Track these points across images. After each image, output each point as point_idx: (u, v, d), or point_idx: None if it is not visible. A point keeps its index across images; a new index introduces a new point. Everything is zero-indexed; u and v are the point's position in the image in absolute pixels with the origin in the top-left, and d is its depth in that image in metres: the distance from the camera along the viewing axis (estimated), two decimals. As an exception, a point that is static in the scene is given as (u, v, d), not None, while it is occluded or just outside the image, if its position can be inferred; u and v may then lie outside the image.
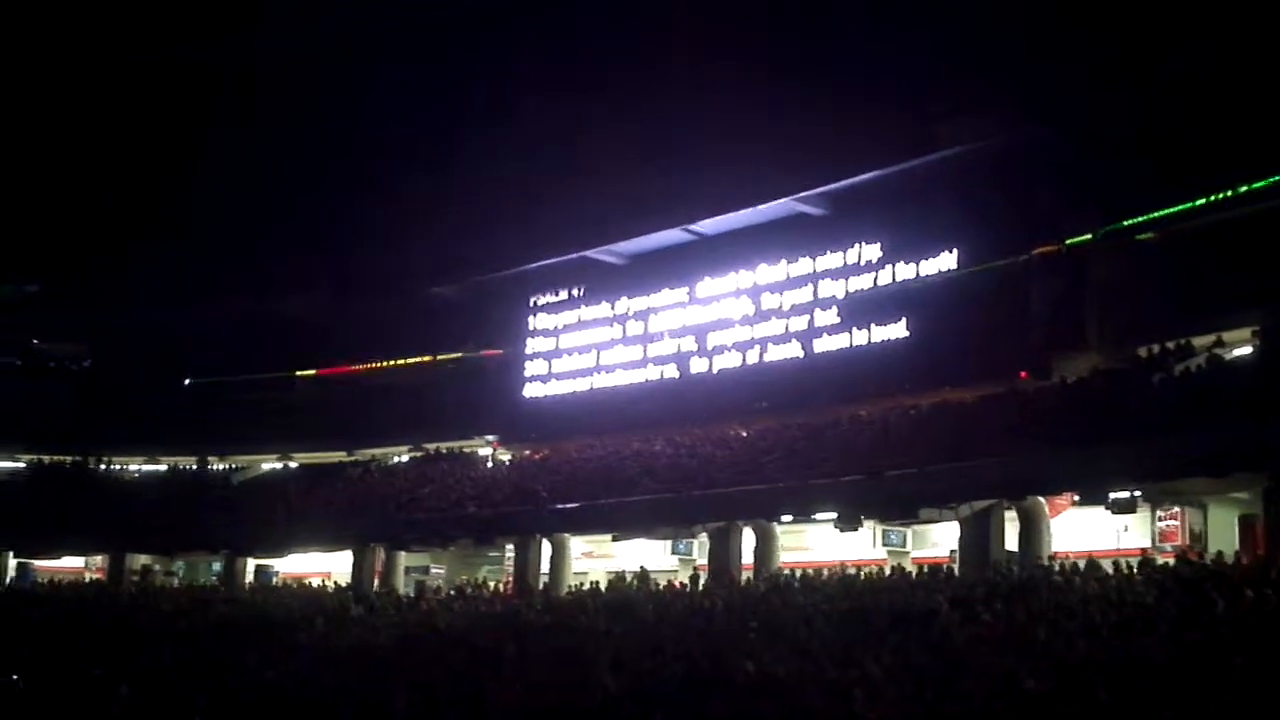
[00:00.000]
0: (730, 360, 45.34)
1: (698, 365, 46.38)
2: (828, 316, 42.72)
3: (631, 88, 55.16)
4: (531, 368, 51.96)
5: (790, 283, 44.07)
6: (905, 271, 40.82)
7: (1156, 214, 35.71)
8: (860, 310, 41.71)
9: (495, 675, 26.83)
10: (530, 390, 51.77)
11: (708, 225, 46.22)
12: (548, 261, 50.70)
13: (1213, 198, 34.42)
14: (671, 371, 47.19)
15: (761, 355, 44.49)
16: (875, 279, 41.66)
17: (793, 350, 43.57)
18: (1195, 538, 30.56)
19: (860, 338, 41.64)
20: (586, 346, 50.34)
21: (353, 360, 58.27)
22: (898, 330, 40.62)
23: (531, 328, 52.17)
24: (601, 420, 47.97)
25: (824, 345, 42.65)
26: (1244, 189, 33.72)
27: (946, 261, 39.74)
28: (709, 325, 46.28)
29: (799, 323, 43.50)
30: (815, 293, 43.26)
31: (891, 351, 40.55)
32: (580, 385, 50.23)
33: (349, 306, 57.36)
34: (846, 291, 42.39)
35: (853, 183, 41.87)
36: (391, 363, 56.99)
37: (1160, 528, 31.12)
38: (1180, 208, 35.05)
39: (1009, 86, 40.08)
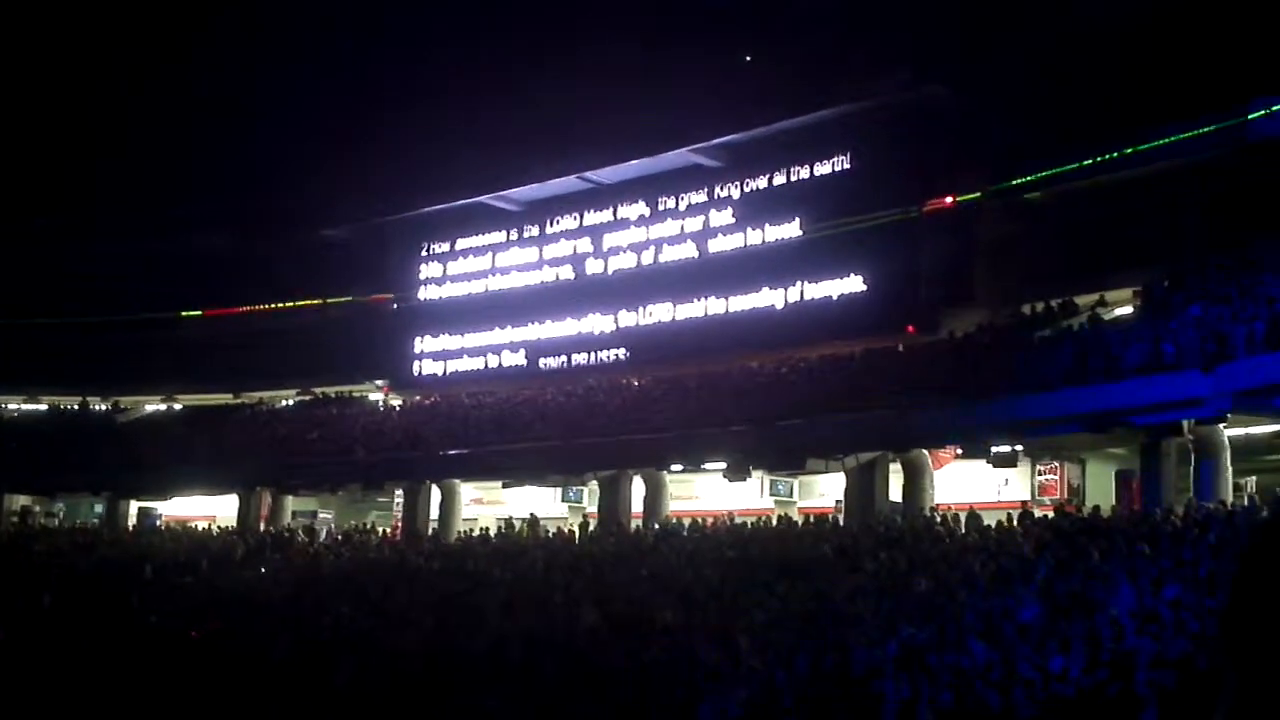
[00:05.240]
0: (626, 261, 45.52)
1: (594, 266, 46.48)
2: (723, 217, 43.02)
3: (531, 35, 54.88)
4: (427, 270, 51.59)
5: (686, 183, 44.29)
6: (799, 172, 41.20)
7: (1044, 174, 36.30)
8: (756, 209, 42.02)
9: (384, 620, 26.84)
10: (426, 294, 51.47)
11: (604, 174, 46.11)
12: (442, 206, 50.21)
13: (1099, 159, 35.05)
14: (567, 273, 47.21)
15: (657, 256, 44.72)
16: (770, 179, 41.99)
17: (688, 251, 43.85)
18: (1073, 491, 31.39)
19: (755, 237, 41.98)
20: (482, 249, 50.05)
21: (241, 301, 57.37)
22: (792, 230, 41.01)
23: (423, 274, 51.70)
24: (496, 318, 48.20)
25: (719, 245, 42.97)
26: (1130, 151, 34.37)
27: (841, 163, 40.27)
28: (605, 226, 46.29)
29: (694, 223, 43.77)
30: (711, 193, 43.52)
31: (786, 250, 40.94)
32: (475, 288, 50.02)
33: (238, 247, 56.43)
34: (741, 191, 42.71)
35: (748, 135, 41.95)
36: (281, 305, 56.22)
37: (1040, 481, 31.95)
38: (1067, 168, 35.65)
39: (905, 46, 40.40)
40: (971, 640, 18.15)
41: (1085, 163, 35.33)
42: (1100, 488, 30.86)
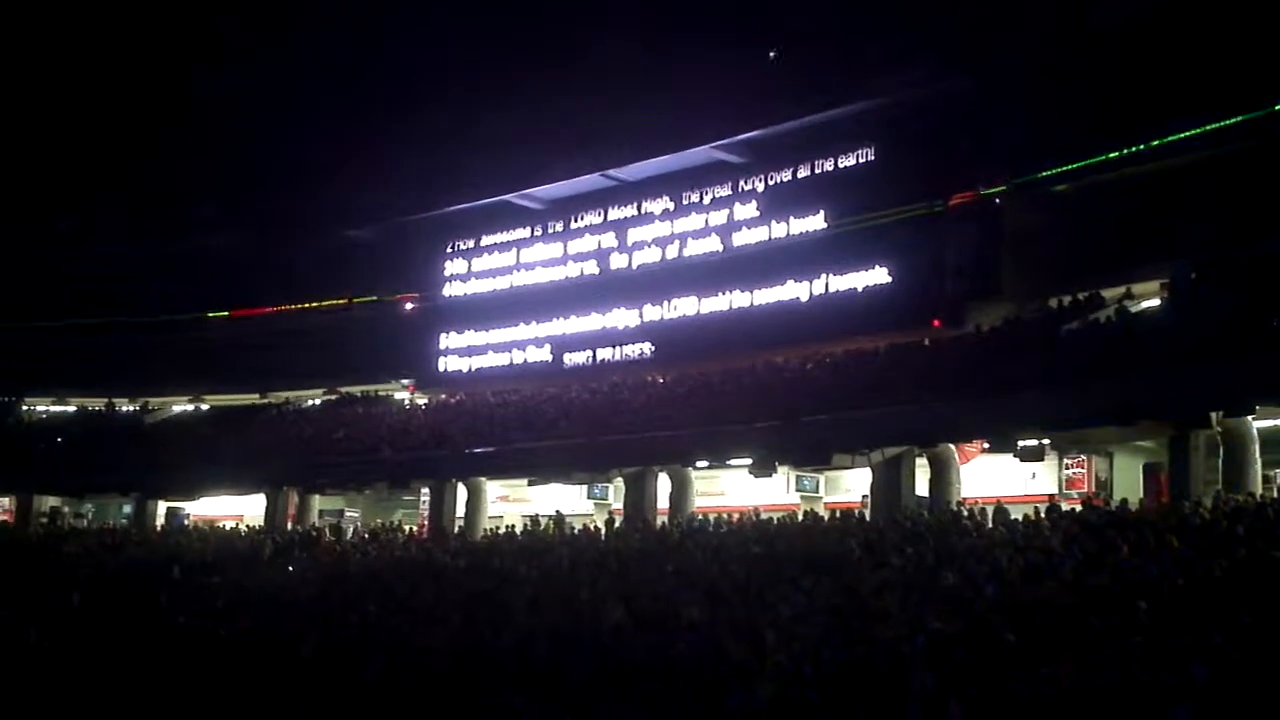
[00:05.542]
0: (650, 256, 45.57)
1: (618, 261, 46.53)
2: (747, 210, 43.04)
3: (553, 34, 54.91)
4: (451, 267, 51.79)
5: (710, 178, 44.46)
6: (824, 165, 41.39)
7: (1070, 167, 36.15)
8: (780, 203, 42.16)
9: (411, 618, 26.86)
10: (450, 290, 51.66)
11: (627, 171, 46.18)
12: (466, 205, 50.36)
13: (1125, 151, 34.91)
14: (592, 268, 47.31)
15: (681, 250, 44.73)
16: (794, 172, 42.06)
17: (712, 244, 43.85)
18: (1101, 485, 31.25)
19: (779, 231, 41.98)
20: (507, 245, 50.22)
21: (266, 302, 57.58)
22: (817, 223, 41.03)
23: (448, 270, 51.81)
24: (521, 314, 48.46)
25: (743, 239, 43.03)
26: (1155, 143, 34.23)
27: (865, 156, 40.42)
28: (629, 221, 46.41)
29: (719, 217, 43.79)
30: (735, 187, 43.59)
31: (811, 243, 41.00)
32: (500, 284, 50.14)
33: (263, 247, 56.64)
34: (766, 184, 42.75)
35: (771, 131, 41.95)
36: (306, 305, 56.45)
37: (1067, 475, 31.85)
38: (1093, 160, 35.51)
39: (929, 39, 40.27)
40: (999, 633, 18.07)
41: (1111, 155, 35.25)
42: (1128, 481, 30.69)
